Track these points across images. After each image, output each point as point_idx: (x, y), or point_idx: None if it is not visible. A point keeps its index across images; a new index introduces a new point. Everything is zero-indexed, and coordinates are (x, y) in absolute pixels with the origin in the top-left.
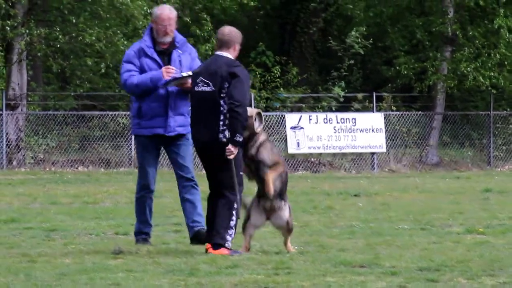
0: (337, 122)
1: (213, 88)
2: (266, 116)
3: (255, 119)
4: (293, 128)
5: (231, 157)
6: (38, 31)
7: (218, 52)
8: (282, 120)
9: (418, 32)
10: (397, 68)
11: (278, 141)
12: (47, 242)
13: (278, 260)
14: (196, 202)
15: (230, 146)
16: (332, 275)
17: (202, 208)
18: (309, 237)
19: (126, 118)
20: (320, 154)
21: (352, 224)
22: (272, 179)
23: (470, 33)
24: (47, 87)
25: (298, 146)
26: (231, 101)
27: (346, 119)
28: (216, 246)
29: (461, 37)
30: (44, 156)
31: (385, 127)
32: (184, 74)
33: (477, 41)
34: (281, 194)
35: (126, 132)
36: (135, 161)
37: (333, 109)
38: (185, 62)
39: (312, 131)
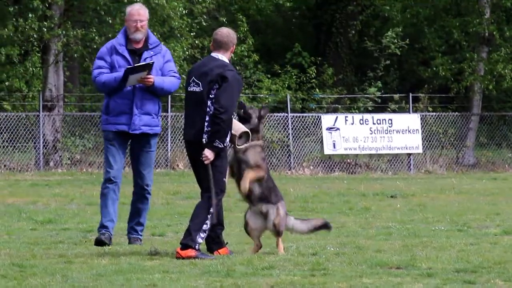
0: (373, 123)
1: (202, 89)
2: (302, 117)
3: (240, 137)
4: (329, 129)
5: (206, 162)
6: (75, 32)
7: (214, 54)
8: (318, 121)
9: (455, 32)
10: (434, 69)
11: (314, 142)
12: (83, 243)
13: (315, 261)
14: (142, 212)
15: (206, 151)
16: (369, 276)
17: (146, 217)
18: (345, 238)
19: (162, 119)
20: (356, 155)
21: (389, 225)
22: (250, 177)
23: (507, 33)
24: (83, 88)
25: (334, 147)
26: (216, 106)
27: (383, 120)
28: (185, 246)
29: (498, 38)
30: (81, 157)
31: (421, 128)
32: (142, 63)
33: None
34: (263, 198)
35: (162, 132)
36: (171, 162)
37: (369, 110)
38: (157, 63)
39: (348, 132)
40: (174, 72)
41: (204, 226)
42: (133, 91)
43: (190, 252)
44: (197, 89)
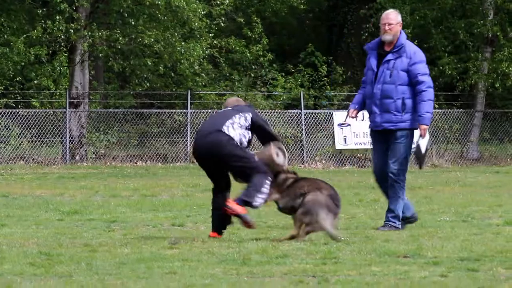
0: None
1: None
2: (315, 113)
3: (277, 154)
4: (340, 125)
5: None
6: (100, 33)
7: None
8: (330, 118)
9: (460, 33)
10: (441, 68)
11: (326, 137)
12: (107, 232)
13: (326, 250)
14: (390, 199)
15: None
16: (377, 264)
17: (396, 204)
18: (355, 229)
19: (182, 115)
20: (366, 149)
21: None
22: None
23: (510, 34)
24: (108, 86)
25: (345, 142)
26: None
27: None
28: (243, 202)
29: (501, 38)
30: (105, 152)
31: None
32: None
33: None
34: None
35: (182, 128)
36: (191, 156)
37: None
38: (399, 65)
39: (359, 128)
40: (421, 74)
41: (264, 189)
42: (375, 92)
43: (240, 208)
44: None
